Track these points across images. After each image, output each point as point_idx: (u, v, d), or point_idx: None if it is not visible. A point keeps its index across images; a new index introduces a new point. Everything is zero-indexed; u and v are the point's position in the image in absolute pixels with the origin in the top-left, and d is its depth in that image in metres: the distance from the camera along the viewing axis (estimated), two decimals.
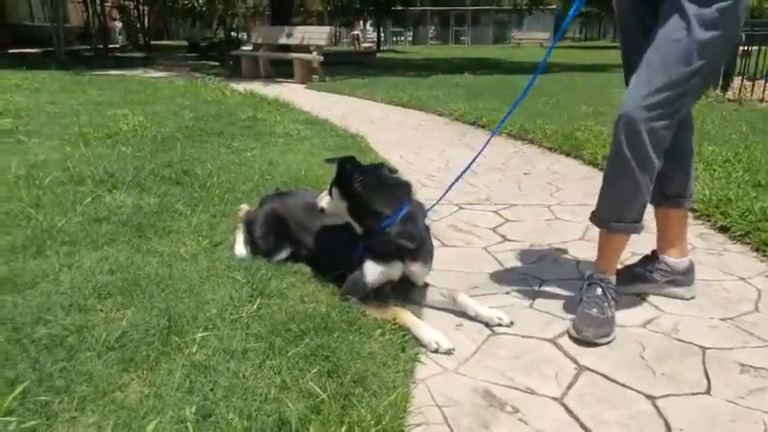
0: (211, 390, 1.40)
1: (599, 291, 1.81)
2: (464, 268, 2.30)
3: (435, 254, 2.03)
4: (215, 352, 1.56)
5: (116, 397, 1.38)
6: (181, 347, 1.57)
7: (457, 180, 2.24)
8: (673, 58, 1.61)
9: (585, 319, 1.74)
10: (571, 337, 1.75)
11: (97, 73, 11.14)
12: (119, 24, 24.89)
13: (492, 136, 2.46)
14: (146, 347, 1.56)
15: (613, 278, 1.87)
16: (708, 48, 1.60)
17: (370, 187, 1.88)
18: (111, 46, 20.25)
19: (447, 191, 2.25)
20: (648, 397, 1.47)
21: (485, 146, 2.27)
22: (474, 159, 2.25)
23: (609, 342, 1.72)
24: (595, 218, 1.88)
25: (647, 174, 1.72)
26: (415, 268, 1.91)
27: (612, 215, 1.81)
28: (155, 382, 1.43)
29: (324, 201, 2.02)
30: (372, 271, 1.86)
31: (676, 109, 1.66)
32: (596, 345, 1.70)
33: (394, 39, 40.64)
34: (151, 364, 1.50)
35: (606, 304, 1.78)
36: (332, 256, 2.06)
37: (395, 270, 1.89)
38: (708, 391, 1.50)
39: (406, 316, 1.76)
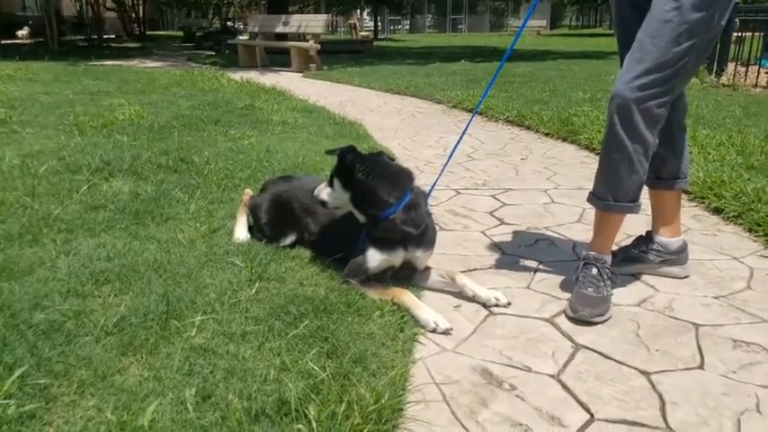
0: (211, 372, 1.41)
1: (594, 270, 1.82)
2: (462, 251, 2.31)
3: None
4: (214, 335, 1.57)
5: (115, 380, 1.38)
6: (180, 331, 1.58)
7: (447, 162, 2.26)
8: (663, 38, 1.61)
9: (581, 299, 1.76)
10: (567, 317, 1.76)
11: (92, 63, 11.06)
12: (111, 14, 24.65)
13: (474, 115, 2.64)
14: (144, 332, 1.57)
15: (609, 258, 1.88)
16: (698, 28, 1.60)
17: (374, 176, 1.87)
18: (105, 36, 20.05)
19: (440, 175, 2.28)
20: (643, 373, 1.48)
21: (468, 124, 2.35)
22: (460, 139, 2.27)
23: (605, 321, 1.73)
24: (592, 197, 1.88)
25: (642, 152, 1.72)
26: (418, 254, 1.92)
27: (609, 194, 1.81)
28: (154, 365, 1.43)
29: (324, 192, 1.99)
30: (375, 258, 1.86)
31: (668, 88, 1.66)
32: (592, 323, 1.72)
33: (391, 27, 40.37)
34: (150, 348, 1.50)
35: (602, 284, 1.79)
36: (336, 241, 2.04)
37: (397, 257, 1.89)
38: (701, 366, 1.51)
39: (405, 296, 1.77)
